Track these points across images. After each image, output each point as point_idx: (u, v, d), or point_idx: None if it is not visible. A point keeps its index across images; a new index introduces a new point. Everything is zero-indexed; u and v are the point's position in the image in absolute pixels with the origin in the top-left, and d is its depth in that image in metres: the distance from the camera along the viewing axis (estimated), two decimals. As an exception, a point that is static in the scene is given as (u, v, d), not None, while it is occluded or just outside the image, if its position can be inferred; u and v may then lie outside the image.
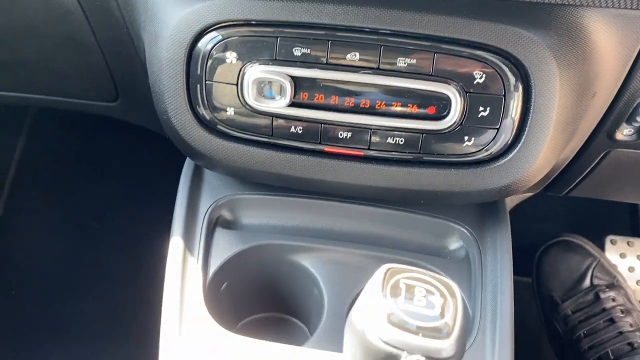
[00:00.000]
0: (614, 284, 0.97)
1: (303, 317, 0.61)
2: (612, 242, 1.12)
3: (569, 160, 0.66)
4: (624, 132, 0.61)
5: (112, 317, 1.13)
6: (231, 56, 0.49)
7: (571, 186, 0.74)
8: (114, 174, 1.28)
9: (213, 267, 0.57)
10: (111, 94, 0.80)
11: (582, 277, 0.98)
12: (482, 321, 0.52)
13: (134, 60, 0.66)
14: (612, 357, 0.90)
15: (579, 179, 0.71)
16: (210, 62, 0.50)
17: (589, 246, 1.00)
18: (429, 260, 0.57)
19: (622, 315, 0.93)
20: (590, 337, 0.93)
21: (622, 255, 1.11)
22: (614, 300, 0.94)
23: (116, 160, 1.29)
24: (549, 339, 1.03)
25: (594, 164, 0.67)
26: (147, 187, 1.23)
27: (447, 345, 0.31)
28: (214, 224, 0.60)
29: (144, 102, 0.74)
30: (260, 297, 0.61)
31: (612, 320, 0.93)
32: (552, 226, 1.17)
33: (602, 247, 1.11)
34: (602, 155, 0.65)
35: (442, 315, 0.33)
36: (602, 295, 0.95)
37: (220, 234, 0.60)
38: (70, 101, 0.85)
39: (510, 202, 0.79)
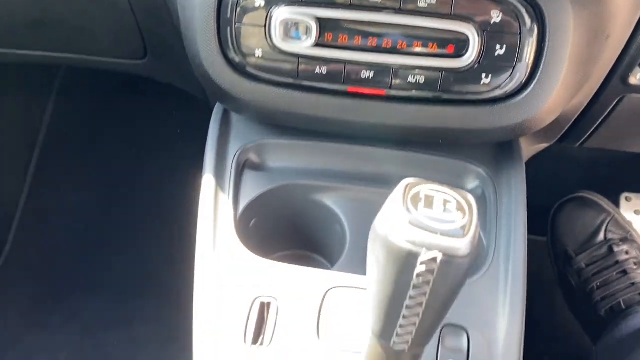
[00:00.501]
0: (628, 238, 0.99)
1: (326, 254, 0.65)
2: (627, 200, 1.14)
3: (583, 106, 0.68)
4: (638, 77, 0.63)
5: (143, 273, 1.18)
6: (260, -1, 0.52)
7: (586, 135, 0.76)
8: (141, 132, 1.33)
9: (242, 205, 0.61)
10: (140, 52, 0.83)
11: (597, 232, 1.00)
12: (496, 253, 0.55)
13: (163, 16, 0.69)
14: (623, 307, 0.93)
15: (594, 128, 0.73)
16: (239, 5, 0.53)
17: (604, 202, 1.02)
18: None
19: (634, 267, 0.95)
20: (602, 288, 0.96)
21: (637, 212, 1.13)
22: (627, 253, 0.97)
23: (143, 118, 1.34)
24: (563, 293, 1.05)
25: (608, 110, 0.69)
26: (173, 144, 1.27)
27: (462, 245, 0.34)
28: (242, 166, 0.64)
29: (172, 59, 0.77)
30: (286, 234, 0.65)
31: (624, 272, 0.95)
32: (568, 185, 1.19)
33: (617, 204, 1.13)
34: (616, 101, 0.67)
35: (458, 219, 0.36)
36: (616, 249, 0.97)
37: (248, 175, 0.63)
38: (100, 60, 0.89)
39: (527, 153, 0.81)
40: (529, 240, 1.25)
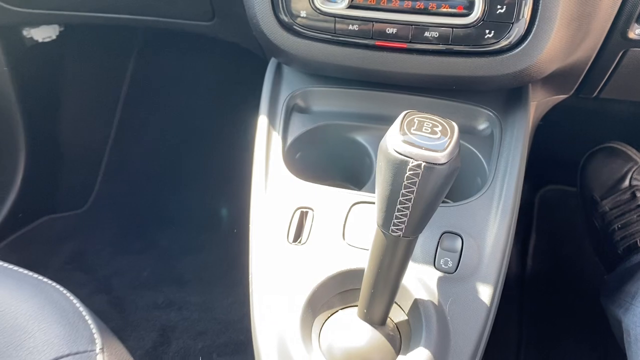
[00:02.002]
0: (651, 186, 1.06)
1: (355, 181, 0.78)
2: (655, 150, 1.19)
3: (591, 60, 0.76)
4: (636, 32, 0.70)
5: (210, 207, 1.36)
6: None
7: (599, 87, 0.84)
8: (208, 85, 1.49)
9: (289, 140, 0.74)
10: (208, 15, 0.97)
11: (622, 179, 1.08)
12: (494, 179, 0.66)
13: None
14: (639, 245, 1.01)
15: (604, 80, 0.81)
16: (288, -26, 0.66)
17: (632, 152, 1.09)
18: (461, 137, 0.72)
19: (654, 211, 1.03)
20: (623, 229, 1.04)
21: (664, 163, 1.19)
22: (648, 199, 1.04)
23: (209, 73, 1.49)
24: (588, 235, 1.14)
25: (614, 63, 0.77)
26: (234, 94, 1.42)
27: (441, 156, 0.46)
28: (290, 109, 0.77)
29: (234, 20, 0.90)
30: (324, 165, 0.78)
31: (644, 216, 1.03)
32: (601, 139, 1.26)
33: (645, 154, 1.19)
34: (620, 54, 0.75)
35: (440, 138, 0.48)
36: (638, 194, 1.05)
37: (295, 117, 0.77)
38: (175, 21, 1.03)
39: (549, 103, 0.89)
40: (562, 190, 1.34)
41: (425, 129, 0.49)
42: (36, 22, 1.19)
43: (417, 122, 0.49)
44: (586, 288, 1.06)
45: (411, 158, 0.46)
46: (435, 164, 0.46)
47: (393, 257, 0.52)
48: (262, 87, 0.80)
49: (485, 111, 0.73)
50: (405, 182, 0.47)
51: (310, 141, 0.76)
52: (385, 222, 0.50)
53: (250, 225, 0.67)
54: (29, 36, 1.20)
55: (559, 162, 1.27)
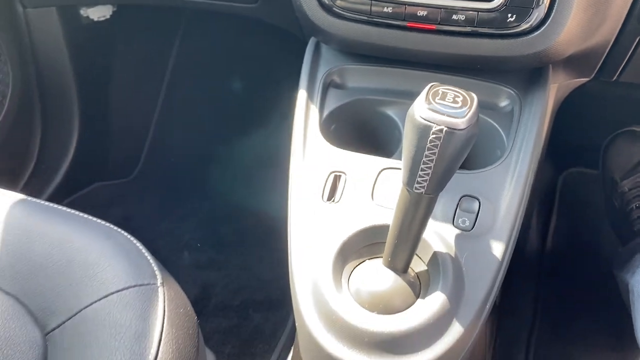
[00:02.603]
0: (669, 167, 1.10)
1: (386, 153, 0.85)
2: (675, 134, 1.23)
3: (610, 44, 0.82)
4: (652, 19, 0.76)
5: (245, 178, 1.45)
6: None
7: (618, 71, 0.89)
8: (247, 66, 1.57)
9: (325, 112, 0.82)
10: (252, -4, 1.04)
11: (642, 161, 1.13)
12: (512, 150, 0.73)
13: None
14: (655, 224, 1.06)
15: (623, 64, 0.86)
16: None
17: (651, 136, 1.14)
18: (483, 112, 0.78)
19: (671, 192, 1.07)
20: (640, 209, 1.09)
21: (684, 146, 1.23)
22: (666, 180, 1.09)
23: (250, 55, 1.58)
24: (607, 214, 1.19)
25: (632, 48, 0.82)
26: (276, 71, 1.50)
27: (461, 122, 0.53)
28: (327, 85, 0.85)
29: (279, 3, 0.97)
30: (356, 137, 0.85)
31: (661, 196, 1.08)
32: (624, 124, 1.30)
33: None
34: (638, 40, 0.80)
35: (461, 107, 0.54)
36: (656, 176, 1.10)
37: (331, 92, 0.84)
38: (220, 3, 1.11)
39: (570, 85, 0.94)
40: (584, 173, 1.39)
41: (448, 99, 0.55)
42: (93, 2, 1.28)
43: (441, 92, 0.56)
44: (604, 267, 1.11)
45: (434, 123, 0.53)
46: (456, 129, 0.53)
47: (415, 212, 0.59)
48: (301, 65, 0.87)
49: (507, 89, 0.79)
50: (429, 145, 0.54)
51: (345, 114, 0.83)
52: (410, 180, 0.57)
53: (289, 187, 0.75)
54: (85, 15, 1.30)
55: (582, 146, 1.32)
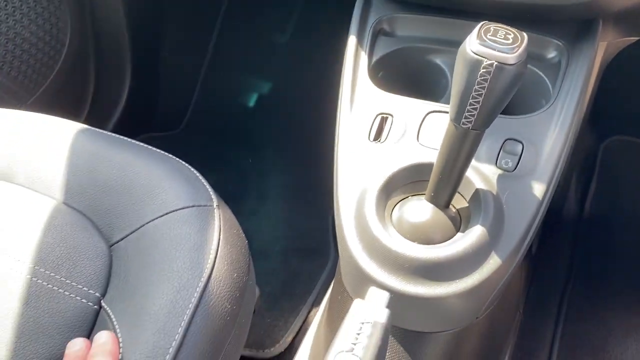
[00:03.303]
0: None
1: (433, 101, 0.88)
2: None
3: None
4: None
5: (293, 132, 1.48)
6: None
7: None
8: (297, 20, 1.59)
9: (374, 59, 0.84)
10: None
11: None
12: (557, 98, 0.74)
13: None
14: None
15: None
16: None
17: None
18: (531, 63, 0.79)
19: None
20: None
21: None
22: None
23: (301, 9, 1.60)
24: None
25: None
26: (328, 19, 1.51)
27: (510, 57, 0.55)
28: (377, 33, 0.87)
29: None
30: (403, 85, 0.87)
31: None
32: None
33: None
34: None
35: (512, 44, 0.56)
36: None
37: (380, 39, 0.86)
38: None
39: (619, 44, 0.94)
40: (627, 141, 1.38)
41: (499, 36, 0.57)
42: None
43: (492, 29, 0.58)
44: (640, 232, 1.12)
45: (485, 58, 0.55)
46: (505, 64, 0.55)
47: (461, 148, 0.61)
48: (345, 16, 0.89)
49: (555, 41, 0.80)
50: (479, 79, 0.56)
51: (393, 62, 0.85)
52: (458, 116, 0.59)
53: (337, 129, 0.78)
54: (141, -32, 1.34)
55: (626, 113, 1.31)
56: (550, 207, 0.73)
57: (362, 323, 0.50)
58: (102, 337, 0.54)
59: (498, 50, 0.56)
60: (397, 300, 0.63)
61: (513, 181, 0.68)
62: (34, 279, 0.61)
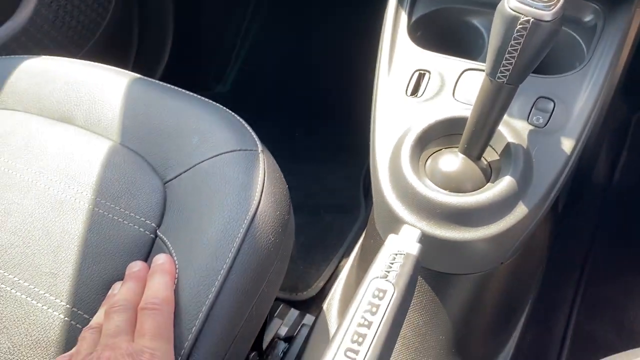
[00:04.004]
0: None
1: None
2: None
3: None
4: None
5: (328, 95, 1.52)
6: None
7: None
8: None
9: (414, 18, 0.87)
10: None
11: None
12: (591, 59, 0.76)
13: None
14: None
15: None
16: None
17: None
18: (566, 26, 0.81)
19: None
20: None
21: None
22: None
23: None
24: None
25: None
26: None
27: (546, 14, 0.58)
28: (417, -6, 0.90)
29: None
30: (441, 45, 0.90)
31: None
32: None
33: None
34: None
35: (548, 2, 0.59)
36: None
37: (420, 1, 0.89)
38: None
39: None
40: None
41: (536, -7, 0.60)
42: None
43: (530, -14, 0.61)
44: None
45: (522, 14, 0.58)
46: (542, 20, 0.58)
47: (495, 102, 0.65)
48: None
49: (592, 4, 0.82)
50: (515, 35, 0.59)
51: (431, 22, 0.88)
52: (494, 70, 0.62)
53: (375, 84, 0.82)
54: None
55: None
56: (578, 173, 0.77)
57: (396, 254, 0.55)
58: (161, 259, 0.60)
59: (535, 7, 0.58)
60: (427, 243, 0.67)
61: (543, 136, 0.71)
62: (95, 209, 0.67)
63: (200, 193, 0.67)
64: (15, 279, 0.62)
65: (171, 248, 0.62)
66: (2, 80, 0.85)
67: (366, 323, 0.50)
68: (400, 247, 0.55)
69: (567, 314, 0.99)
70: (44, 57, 0.87)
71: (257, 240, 0.61)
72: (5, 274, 0.63)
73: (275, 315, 0.94)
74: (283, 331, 0.92)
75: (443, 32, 0.89)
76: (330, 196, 1.30)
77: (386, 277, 0.53)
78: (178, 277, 0.59)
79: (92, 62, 0.88)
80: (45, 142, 0.75)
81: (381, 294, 0.52)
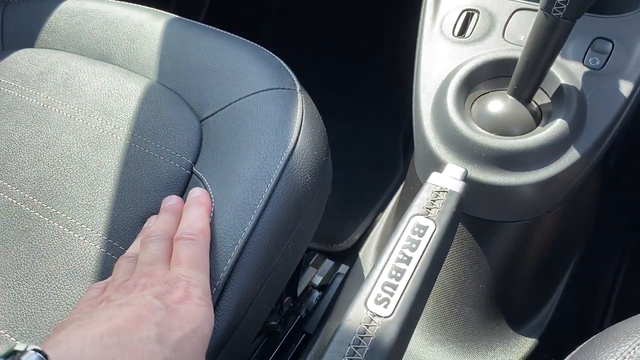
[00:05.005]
0: None
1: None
2: None
3: None
4: None
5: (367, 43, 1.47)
6: None
7: None
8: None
9: None
10: None
11: None
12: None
13: None
14: None
15: None
16: None
17: None
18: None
19: None
20: None
21: None
22: None
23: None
24: None
25: None
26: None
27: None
28: None
29: None
30: None
31: None
32: None
33: None
34: None
35: None
36: None
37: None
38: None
39: None
40: None
41: None
42: None
43: None
44: None
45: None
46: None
47: (549, 39, 0.61)
48: None
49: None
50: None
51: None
52: (549, 3, 0.58)
53: (420, 23, 0.78)
54: None
55: None
56: (635, 124, 0.72)
57: (438, 192, 0.52)
58: (196, 192, 0.59)
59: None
60: (471, 188, 0.65)
61: (599, 79, 0.67)
62: (132, 144, 0.66)
63: (236, 130, 0.65)
64: (53, 210, 0.62)
65: (207, 183, 0.61)
66: (42, 20, 0.85)
67: (405, 259, 0.48)
68: (444, 184, 0.53)
69: (612, 276, 0.95)
70: (81, -4, 0.87)
71: (294, 177, 0.59)
72: (44, 205, 0.63)
73: (310, 264, 0.93)
74: (317, 280, 0.91)
75: None
76: (369, 151, 1.27)
77: (427, 214, 0.51)
78: (214, 210, 0.58)
79: (131, 3, 0.86)
80: (83, 80, 0.75)
81: (422, 231, 0.49)
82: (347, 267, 0.92)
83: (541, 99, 0.68)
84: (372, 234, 0.96)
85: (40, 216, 0.62)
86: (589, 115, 0.65)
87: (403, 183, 0.91)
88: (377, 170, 1.22)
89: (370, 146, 1.29)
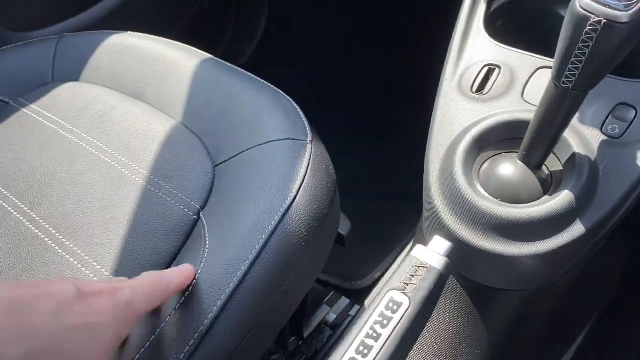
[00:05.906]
0: None
1: (550, 54, 0.82)
2: None
3: None
4: None
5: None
6: None
7: None
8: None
9: (495, 5, 0.81)
10: None
11: None
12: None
13: None
14: None
15: None
16: None
17: None
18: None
19: None
20: None
21: None
22: None
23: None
24: None
25: None
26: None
27: (622, 15, 0.51)
28: (500, -21, 0.83)
29: None
30: (522, 36, 0.83)
31: None
32: None
33: None
34: None
35: (627, 0, 0.52)
36: None
37: (503, -12, 0.83)
38: None
39: None
40: None
41: (612, -10, 0.53)
42: None
43: (607, -13, 0.54)
44: None
45: (593, 14, 0.52)
46: (616, 22, 0.51)
47: (559, 108, 0.59)
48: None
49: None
50: (583, 37, 0.53)
51: (514, 10, 0.82)
52: (558, 74, 0.57)
53: (442, 77, 0.77)
54: None
55: None
56: None
57: (418, 267, 0.52)
58: (187, 268, 0.59)
59: (610, 7, 0.52)
60: (471, 253, 0.64)
61: (616, 149, 0.64)
62: (148, 186, 0.71)
63: (244, 180, 0.68)
64: (72, 246, 0.67)
65: (207, 233, 0.64)
66: (88, 55, 0.91)
67: (374, 335, 0.49)
68: (425, 258, 0.53)
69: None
70: (126, 33, 0.92)
71: (288, 232, 0.61)
72: (65, 240, 0.68)
73: (324, 301, 0.94)
74: (331, 318, 0.92)
75: (525, 22, 0.82)
76: (396, 183, 1.27)
77: (404, 290, 0.51)
78: (205, 261, 0.60)
79: (169, 40, 0.91)
80: (115, 118, 0.80)
81: (395, 307, 0.50)
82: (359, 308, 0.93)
83: (554, 165, 0.66)
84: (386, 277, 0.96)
85: (60, 251, 0.67)
86: (600, 187, 0.62)
87: (417, 229, 0.91)
88: (402, 202, 1.21)
89: (397, 177, 1.28)
